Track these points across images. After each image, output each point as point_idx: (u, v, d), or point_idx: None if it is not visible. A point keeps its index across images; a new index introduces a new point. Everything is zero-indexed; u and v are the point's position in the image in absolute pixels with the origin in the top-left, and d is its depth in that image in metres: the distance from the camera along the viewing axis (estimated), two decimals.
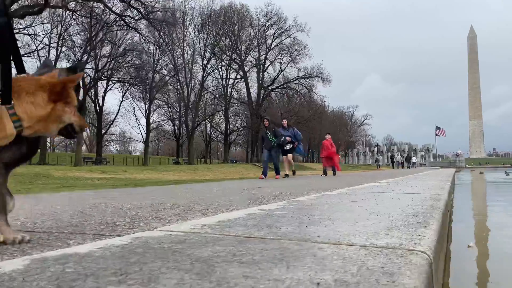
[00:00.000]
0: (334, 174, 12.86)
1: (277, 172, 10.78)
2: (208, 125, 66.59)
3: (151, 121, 53.58)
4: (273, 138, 10.44)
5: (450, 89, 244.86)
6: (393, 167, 41.22)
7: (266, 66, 60.24)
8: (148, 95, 46.33)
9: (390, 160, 43.85)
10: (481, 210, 6.20)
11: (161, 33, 38.10)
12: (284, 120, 12.19)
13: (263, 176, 10.11)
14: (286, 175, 11.32)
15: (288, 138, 11.24)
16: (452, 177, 9.96)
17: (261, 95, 59.51)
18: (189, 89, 50.79)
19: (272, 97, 62.45)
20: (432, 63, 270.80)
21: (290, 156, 11.56)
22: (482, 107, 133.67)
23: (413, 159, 55.60)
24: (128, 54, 42.93)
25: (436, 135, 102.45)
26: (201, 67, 51.97)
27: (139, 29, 38.25)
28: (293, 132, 11.60)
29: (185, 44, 50.69)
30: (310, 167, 54.81)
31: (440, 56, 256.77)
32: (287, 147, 11.24)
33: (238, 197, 3.60)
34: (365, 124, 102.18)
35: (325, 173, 13.05)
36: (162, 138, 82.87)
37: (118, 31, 41.36)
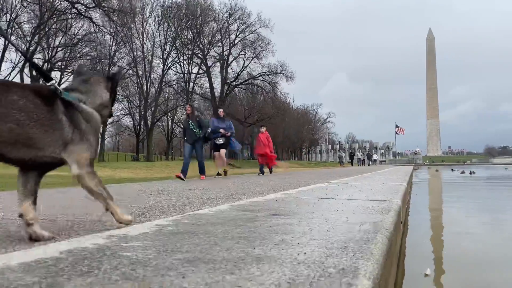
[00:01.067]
0: (271, 172, 11.70)
1: (202, 172, 8.82)
2: (170, 121, 64.78)
3: None
4: (198, 129, 8.61)
5: (411, 89, 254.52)
6: (352, 165, 41.49)
7: (229, 61, 59.14)
8: None
9: (349, 157, 44.08)
10: (440, 216, 5.62)
11: (116, 23, 36.13)
12: (220, 110, 10.35)
13: (181, 176, 8.13)
14: (218, 174, 9.65)
15: (222, 131, 9.60)
16: (409, 175, 9.48)
17: (225, 90, 58.36)
18: (149, 83, 48.87)
19: (235, 93, 61.47)
20: (396, 63, 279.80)
21: (223, 152, 9.81)
22: (440, 107, 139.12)
23: (374, 156, 56.53)
24: (83, 44, 40.57)
25: (396, 133, 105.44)
26: (161, 61, 50.11)
27: (93, 18, 36.17)
28: (228, 124, 9.92)
29: (144, 36, 48.72)
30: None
31: (404, 56, 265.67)
32: (220, 141, 9.58)
33: (130, 207, 2.69)
34: (329, 122, 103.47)
35: (261, 171, 11.49)
36: (122, 134, 79.87)
37: (70, 20, 38.97)
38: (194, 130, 8.57)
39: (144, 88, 48.29)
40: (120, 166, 29.17)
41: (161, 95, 50.58)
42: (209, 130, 9.00)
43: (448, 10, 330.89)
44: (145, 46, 48.42)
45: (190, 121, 8.71)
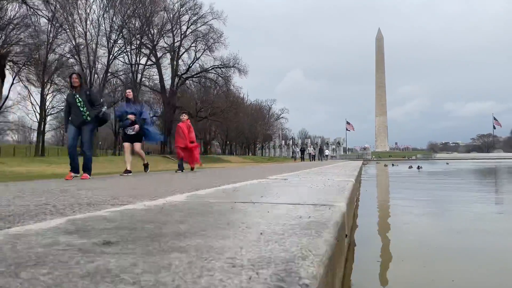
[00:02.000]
0: (192, 169, 9.79)
1: (86, 169, 6.49)
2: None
3: (50, 106, 47.67)
4: (84, 108, 6.37)
5: (363, 86, 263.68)
6: (303, 160, 41.45)
7: (181, 53, 57.00)
8: (41, 77, 40.59)
9: (300, 153, 44.06)
10: (399, 223, 4.85)
11: (55, 6, 33.18)
12: (128, 91, 8.32)
13: (71, 174, 6.16)
14: (127, 171, 7.46)
15: (131, 117, 7.57)
16: (359, 170, 8.81)
17: (175, 83, 56.20)
18: (93, 73, 45.71)
19: (187, 86, 59.47)
20: (349, 61, 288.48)
21: (138, 146, 7.88)
22: (389, 104, 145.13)
23: (326, 152, 57.17)
24: (19, 29, 36.98)
25: (347, 129, 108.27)
26: (106, 49, 47.07)
27: (27, 1, 33.01)
28: (140, 109, 7.86)
29: (88, 22, 45.45)
30: (228, 160, 53.15)
31: (356, 55, 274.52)
32: (131, 131, 7.63)
33: None
34: (282, 117, 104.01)
35: (181, 168, 9.39)
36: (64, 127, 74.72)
37: (4, 2, 35.38)
38: (81, 109, 6.37)
39: (88, 78, 45.15)
40: (57, 162, 26.98)
41: (106, 86, 47.62)
42: (103, 109, 6.79)
43: (397, 11, 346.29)
44: (89, 33, 45.22)
45: (77, 96, 6.42)
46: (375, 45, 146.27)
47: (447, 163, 34.50)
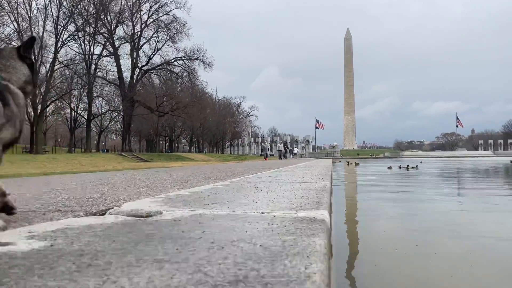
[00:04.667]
0: None
1: None
2: (74, 107, 56.82)
3: None
4: None
5: (334, 85, 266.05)
6: (266, 158, 38.94)
7: (141, 44, 52.92)
8: None
9: (261, 151, 41.51)
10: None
11: None
12: None
13: None
14: None
15: None
16: (329, 178, 6.10)
17: (135, 76, 52.16)
18: (39, 60, 41.10)
19: (148, 79, 55.44)
20: (322, 60, 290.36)
21: None
22: (362, 103, 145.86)
23: (295, 150, 54.95)
24: None
25: (316, 127, 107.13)
26: (53, 35, 42.46)
27: None
28: None
29: (33, 5, 40.80)
30: (190, 158, 49.72)
31: (328, 54, 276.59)
32: None
33: None
34: (252, 115, 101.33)
35: None
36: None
37: None
38: None
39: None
40: None
41: (54, 76, 43.04)
42: None
43: (365, 11, 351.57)
44: (33, 16, 40.50)
45: None
46: (344, 44, 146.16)
47: (420, 162, 32.96)
